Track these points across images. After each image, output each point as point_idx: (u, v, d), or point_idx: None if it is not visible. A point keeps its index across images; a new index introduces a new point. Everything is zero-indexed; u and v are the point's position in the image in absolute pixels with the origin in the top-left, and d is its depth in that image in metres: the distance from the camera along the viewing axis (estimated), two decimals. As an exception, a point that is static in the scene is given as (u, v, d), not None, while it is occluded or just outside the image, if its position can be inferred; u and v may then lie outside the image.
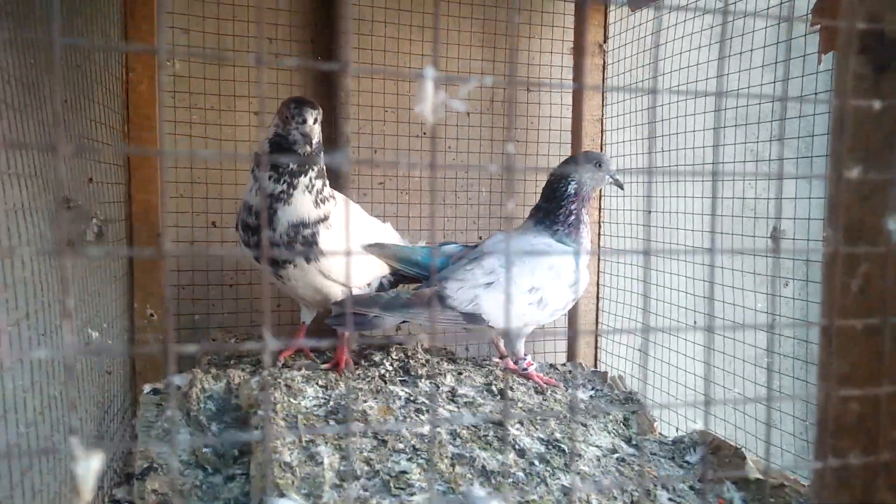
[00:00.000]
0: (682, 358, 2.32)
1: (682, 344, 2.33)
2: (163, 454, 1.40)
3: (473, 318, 1.83)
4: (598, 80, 2.36)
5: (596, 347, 2.51)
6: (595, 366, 2.51)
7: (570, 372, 2.22)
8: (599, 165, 1.96)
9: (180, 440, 1.44)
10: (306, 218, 1.66)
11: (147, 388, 1.69)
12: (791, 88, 2.20)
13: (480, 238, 2.50)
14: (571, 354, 2.51)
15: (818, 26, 1.73)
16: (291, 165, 1.65)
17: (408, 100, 2.31)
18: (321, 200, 1.69)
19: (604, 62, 2.36)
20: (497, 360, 2.12)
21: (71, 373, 0.47)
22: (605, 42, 2.36)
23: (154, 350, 2.12)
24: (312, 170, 1.66)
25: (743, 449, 1.66)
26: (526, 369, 1.99)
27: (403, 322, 1.85)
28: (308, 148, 1.63)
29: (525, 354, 2.00)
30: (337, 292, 1.79)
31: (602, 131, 2.38)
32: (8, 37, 1.21)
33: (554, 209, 1.96)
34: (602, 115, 2.37)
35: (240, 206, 1.76)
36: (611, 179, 1.99)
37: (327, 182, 1.74)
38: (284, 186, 1.65)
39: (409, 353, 1.96)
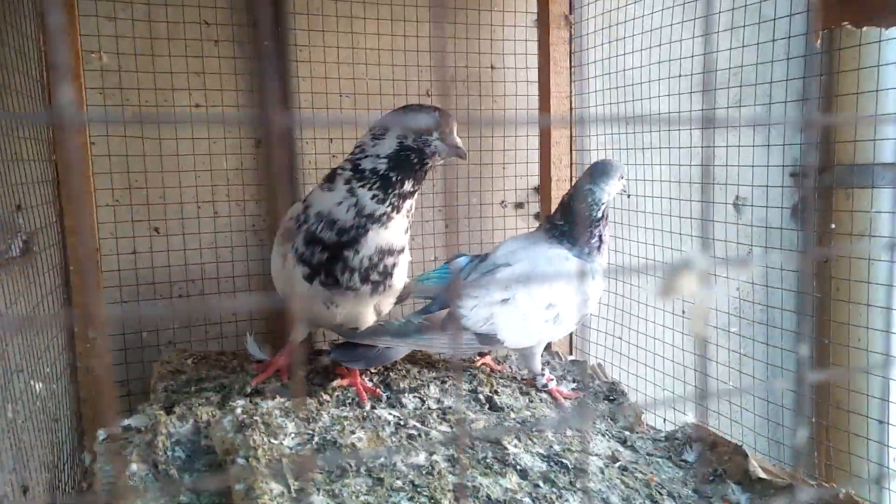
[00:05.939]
0: (660, 344, 2.25)
1: (657, 329, 2.26)
2: (133, 519, 1.23)
3: (489, 339, 1.69)
4: (564, 54, 2.21)
5: (571, 334, 2.42)
6: (571, 353, 2.42)
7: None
8: (622, 177, 1.79)
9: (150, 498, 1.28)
10: (395, 246, 1.46)
11: (101, 433, 1.49)
12: (749, 54, 2.11)
13: (458, 243, 2.36)
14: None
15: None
16: (407, 186, 1.43)
17: (365, 84, 2.12)
18: (408, 229, 1.51)
19: (570, 35, 2.22)
20: (477, 358, 2.01)
21: None
22: (570, 13, 2.21)
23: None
24: (414, 194, 1.46)
25: (743, 445, 1.61)
26: (546, 385, 1.86)
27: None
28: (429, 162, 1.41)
29: (543, 369, 1.89)
30: (369, 322, 1.62)
31: (571, 109, 2.25)
32: None
33: (575, 232, 1.76)
34: (571, 92, 2.24)
35: (305, 213, 1.46)
36: (625, 190, 1.84)
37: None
38: (388, 209, 1.42)
39: (388, 365, 1.82)
